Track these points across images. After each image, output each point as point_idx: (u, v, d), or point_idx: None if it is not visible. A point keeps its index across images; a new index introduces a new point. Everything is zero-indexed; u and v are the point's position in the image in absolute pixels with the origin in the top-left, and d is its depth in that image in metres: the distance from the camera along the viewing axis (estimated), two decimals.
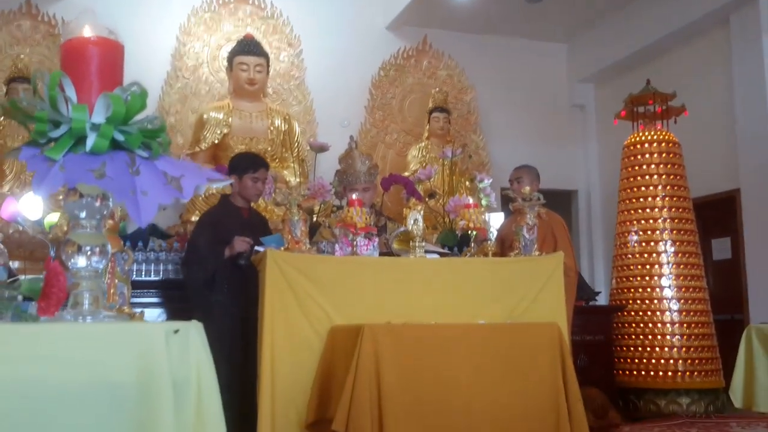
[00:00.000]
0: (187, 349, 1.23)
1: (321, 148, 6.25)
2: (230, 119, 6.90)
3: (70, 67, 1.20)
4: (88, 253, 1.18)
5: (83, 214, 1.18)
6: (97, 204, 1.18)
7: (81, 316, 1.22)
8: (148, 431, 1.16)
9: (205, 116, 6.92)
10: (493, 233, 4.50)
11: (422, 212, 4.55)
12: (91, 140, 1.14)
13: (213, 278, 4.20)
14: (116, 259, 1.90)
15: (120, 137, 1.16)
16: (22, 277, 4.78)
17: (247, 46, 6.98)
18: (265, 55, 7.06)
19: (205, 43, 7.39)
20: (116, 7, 7.31)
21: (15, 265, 5.56)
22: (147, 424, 1.16)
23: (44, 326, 1.19)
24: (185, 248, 4.50)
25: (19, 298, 1.43)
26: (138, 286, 4.86)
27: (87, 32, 1.22)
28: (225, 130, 6.86)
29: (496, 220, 5.66)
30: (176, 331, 1.22)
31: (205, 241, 4.27)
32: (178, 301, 5.00)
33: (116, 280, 1.90)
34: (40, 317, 1.27)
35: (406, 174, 7.15)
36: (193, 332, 1.27)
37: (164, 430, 1.14)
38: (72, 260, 1.19)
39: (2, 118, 6.31)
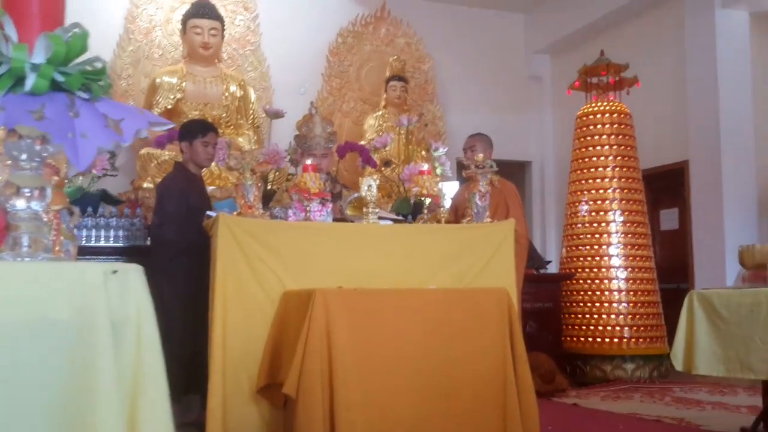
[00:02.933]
0: (126, 290, 1.23)
1: (276, 115, 6.20)
2: (184, 84, 6.80)
3: (12, 5, 1.18)
4: (27, 195, 1.17)
5: (23, 156, 1.17)
6: (37, 147, 1.17)
7: (19, 257, 1.21)
8: (87, 370, 1.16)
9: (157, 81, 6.81)
10: (447, 201, 4.54)
11: (377, 179, 4.57)
12: (30, 81, 1.12)
13: (187, 245, 4.17)
14: (62, 215, 1.88)
15: (60, 78, 1.14)
16: None
17: (202, 9, 6.86)
18: (220, 19, 6.95)
19: (158, 5, 7.25)
20: None
21: None
22: (86, 364, 1.16)
23: None
24: (155, 215, 4.43)
25: None
26: (89, 252, 4.79)
27: None
28: (178, 96, 6.77)
29: (450, 189, 5.72)
30: (114, 272, 1.21)
31: (176, 206, 4.23)
32: None
33: (62, 237, 1.87)
34: None
35: (363, 143, 7.14)
36: (133, 274, 1.26)
37: (103, 370, 1.15)
38: (10, 202, 1.17)
39: None
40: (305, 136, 4.70)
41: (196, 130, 4.44)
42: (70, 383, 1.16)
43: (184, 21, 6.87)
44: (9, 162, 1.17)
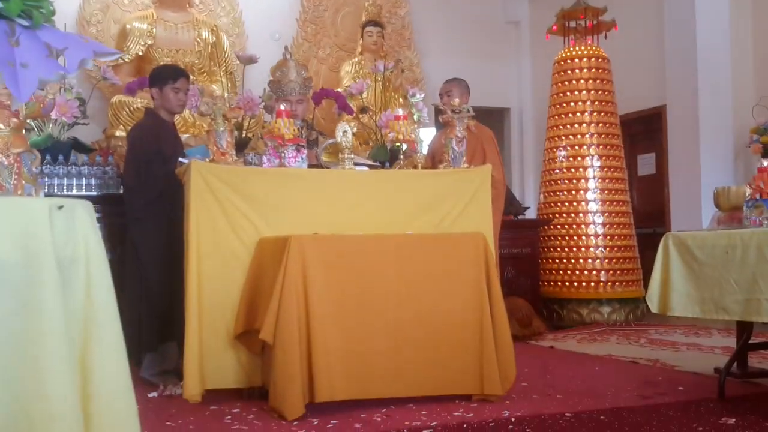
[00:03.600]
0: (73, 227, 1.18)
1: (250, 60, 6.08)
2: (154, 30, 6.64)
3: None
4: None
5: None
6: None
7: None
8: (34, 311, 1.12)
9: (128, 26, 6.65)
10: (425, 147, 4.49)
11: (353, 126, 4.50)
12: None
13: (160, 192, 4.10)
14: (22, 159, 1.81)
15: None
16: None
17: None
18: None
19: None
20: None
21: None
22: (32, 304, 1.12)
23: None
24: (126, 163, 4.34)
25: None
26: None
27: None
28: (149, 42, 6.62)
29: (427, 136, 5.66)
30: (60, 207, 1.16)
31: (148, 154, 4.15)
32: (107, 216, 4.87)
33: (23, 182, 1.81)
34: None
35: (339, 90, 7.04)
36: (80, 209, 1.22)
37: (50, 310, 1.11)
38: None
39: None
40: (279, 82, 4.60)
41: (166, 76, 4.33)
42: (16, 325, 1.12)
43: None
44: None
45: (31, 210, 1.14)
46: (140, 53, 6.60)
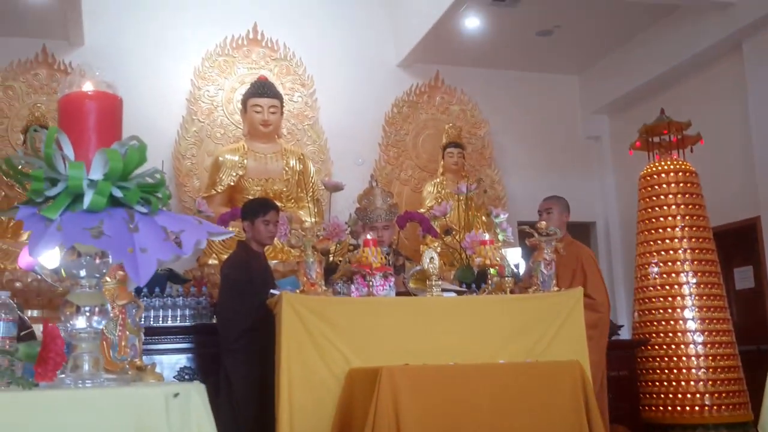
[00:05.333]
0: (188, 413, 1.19)
1: (335, 188, 6.24)
2: (245, 161, 6.93)
3: (68, 122, 1.19)
4: (87, 313, 1.15)
5: (82, 273, 1.16)
6: (97, 262, 1.16)
7: (80, 380, 1.18)
8: None
9: (220, 159, 6.96)
10: (513, 270, 4.44)
11: (438, 249, 4.51)
12: (88, 198, 1.11)
13: (252, 324, 4.19)
14: (127, 310, 1.88)
15: (118, 194, 1.14)
16: (39, 326, 4.76)
17: (261, 88, 7.03)
18: (279, 97, 7.11)
19: (219, 86, 7.45)
20: (131, 55, 7.42)
21: (34, 313, 5.58)
22: None
23: (42, 393, 1.16)
24: (220, 294, 4.48)
25: (19, 363, 1.40)
26: (156, 332, 4.83)
27: (86, 87, 1.21)
28: (240, 172, 6.89)
29: (513, 255, 5.62)
30: (176, 395, 1.18)
31: (241, 286, 4.28)
32: (200, 346, 4.98)
33: (127, 332, 1.87)
34: (38, 383, 1.24)
35: (422, 210, 7.12)
36: (194, 394, 1.23)
37: None
38: (71, 321, 1.16)
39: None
40: (366, 209, 4.70)
41: (257, 210, 4.49)
42: None
43: (245, 100, 7.05)
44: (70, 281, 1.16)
45: (147, 400, 1.16)
46: (232, 183, 6.88)
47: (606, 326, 4.78)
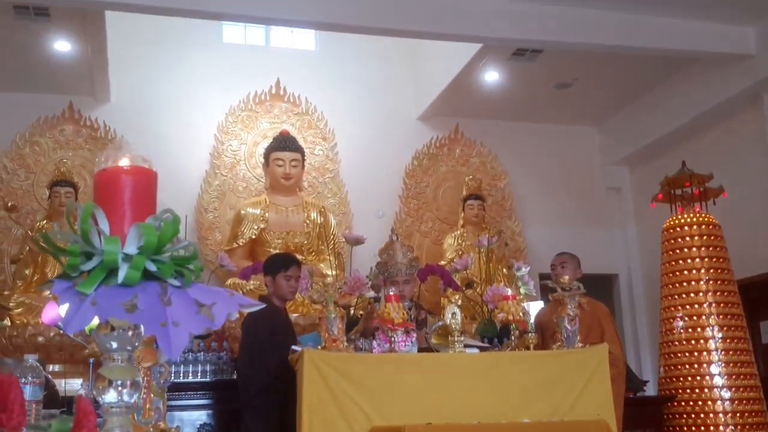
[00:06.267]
0: None
1: (356, 241, 6.26)
2: (267, 214, 6.98)
3: (104, 197, 1.21)
4: (119, 387, 1.16)
5: (114, 346, 1.17)
6: (129, 335, 1.17)
7: None
8: None
9: (242, 212, 7.02)
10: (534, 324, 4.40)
11: (460, 303, 4.48)
12: (123, 272, 1.13)
13: (273, 381, 4.17)
14: (152, 372, 1.88)
15: (152, 267, 1.15)
16: (62, 382, 4.77)
17: (283, 142, 7.13)
18: (300, 150, 7.19)
19: (242, 140, 7.56)
20: (156, 111, 7.57)
21: (56, 368, 5.59)
22: None
23: None
24: (241, 350, 4.47)
25: None
26: (177, 388, 4.81)
27: (123, 161, 1.24)
28: (262, 225, 6.94)
29: (535, 309, 5.57)
30: None
31: (262, 342, 4.27)
32: (220, 402, 4.95)
33: (152, 395, 1.87)
34: None
35: (443, 263, 7.10)
36: None
37: None
38: (103, 395, 1.16)
39: (45, 221, 6.45)
40: (386, 264, 4.70)
41: (278, 265, 4.51)
42: None
43: (267, 154, 7.14)
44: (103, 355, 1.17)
45: None
46: (253, 236, 6.92)
47: (623, 380, 4.71)
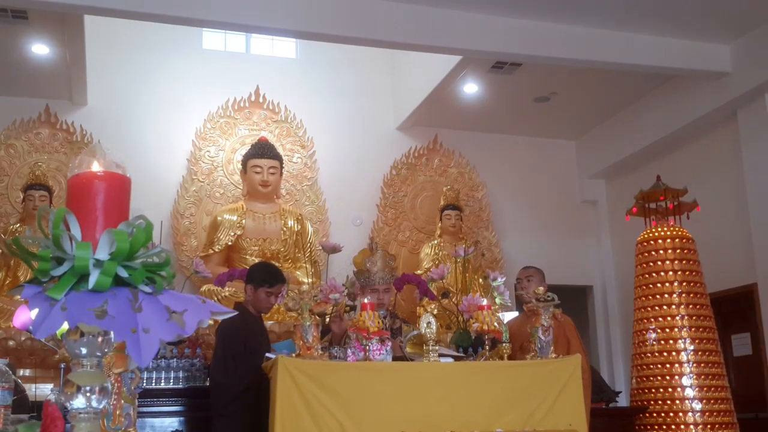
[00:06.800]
0: None
1: (333, 249, 6.26)
2: (244, 221, 6.96)
3: (76, 202, 1.21)
4: (88, 393, 1.15)
5: (84, 352, 1.16)
6: (99, 341, 1.17)
7: None
8: None
9: (219, 218, 6.99)
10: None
11: (436, 312, 4.50)
12: (93, 278, 1.13)
13: (246, 388, 4.14)
14: (123, 379, 1.87)
15: (124, 273, 1.15)
16: (32, 386, 4.71)
17: (261, 149, 7.12)
18: (279, 158, 7.18)
19: (220, 147, 7.54)
20: (134, 116, 7.53)
21: (27, 372, 5.52)
22: None
23: None
24: (215, 358, 4.44)
25: None
26: (149, 395, 4.77)
27: (95, 167, 1.23)
28: (238, 232, 6.92)
29: (510, 318, 5.60)
30: None
31: (236, 349, 4.24)
32: (192, 409, 4.92)
33: (122, 401, 1.86)
34: None
35: (419, 272, 7.12)
36: None
37: None
38: (71, 401, 1.15)
39: (18, 225, 6.38)
40: (368, 271, 4.68)
41: (264, 279, 4.45)
42: None
43: (245, 161, 7.12)
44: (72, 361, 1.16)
45: None
46: (230, 243, 6.90)
47: (589, 390, 4.73)
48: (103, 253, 1.14)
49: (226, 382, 4.20)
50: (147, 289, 1.17)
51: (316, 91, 8.13)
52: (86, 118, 7.30)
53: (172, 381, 5.00)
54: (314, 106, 7.99)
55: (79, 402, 1.15)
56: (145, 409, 4.64)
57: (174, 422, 4.89)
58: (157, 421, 4.84)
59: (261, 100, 7.73)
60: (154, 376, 4.97)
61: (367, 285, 4.65)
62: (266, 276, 4.50)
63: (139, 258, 1.18)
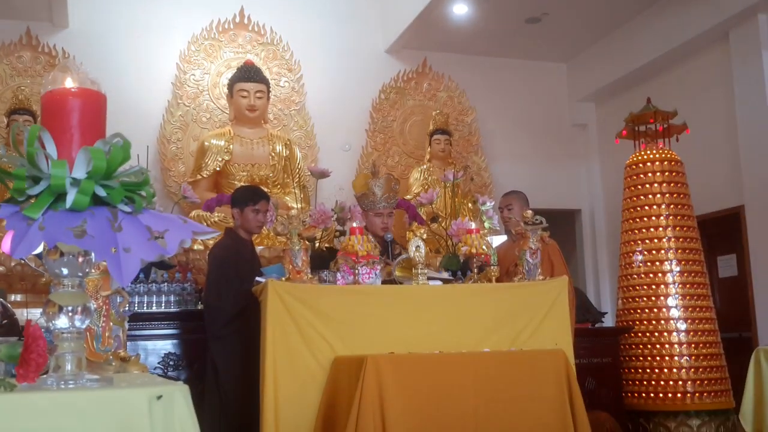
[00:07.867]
0: (171, 415, 1.19)
1: (322, 174, 6.21)
2: (231, 146, 6.90)
3: (50, 120, 1.17)
4: (70, 313, 1.14)
5: (65, 272, 1.15)
6: (79, 261, 1.15)
7: (63, 381, 1.17)
8: None
9: (206, 144, 6.92)
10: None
11: (425, 237, 4.51)
12: (71, 197, 1.10)
13: (238, 312, 4.19)
14: (111, 301, 1.87)
15: (102, 193, 1.12)
16: (23, 311, 4.73)
17: (247, 73, 6.99)
18: (266, 82, 7.07)
19: (205, 70, 7.40)
20: (116, 38, 7.35)
21: (17, 297, 5.54)
22: None
23: (21, 396, 1.14)
24: (208, 282, 4.47)
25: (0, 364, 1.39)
26: (141, 318, 4.82)
27: (68, 83, 1.19)
28: (226, 157, 6.86)
29: (499, 242, 5.63)
30: (159, 398, 1.17)
31: (229, 273, 4.27)
32: (186, 332, 4.97)
33: (111, 323, 1.86)
34: (19, 384, 1.23)
35: (408, 197, 7.12)
36: (178, 396, 1.23)
37: None
38: (53, 321, 1.15)
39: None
40: (373, 194, 4.65)
41: (247, 198, 4.47)
42: None
43: (231, 85, 7.01)
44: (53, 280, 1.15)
45: (130, 402, 1.15)
46: (218, 168, 6.85)
47: (573, 312, 4.81)
48: (80, 172, 1.12)
49: (219, 305, 4.25)
50: (126, 208, 1.15)
51: (303, 12, 7.94)
52: (68, 40, 7.13)
53: (163, 305, 5.04)
54: (301, 29, 7.81)
55: (62, 322, 1.15)
56: (137, 332, 4.69)
57: (167, 345, 4.95)
58: (149, 344, 4.89)
59: (246, 21, 7.56)
60: (145, 300, 5.01)
61: (370, 209, 4.64)
62: (249, 194, 4.51)
63: (118, 176, 1.16)
